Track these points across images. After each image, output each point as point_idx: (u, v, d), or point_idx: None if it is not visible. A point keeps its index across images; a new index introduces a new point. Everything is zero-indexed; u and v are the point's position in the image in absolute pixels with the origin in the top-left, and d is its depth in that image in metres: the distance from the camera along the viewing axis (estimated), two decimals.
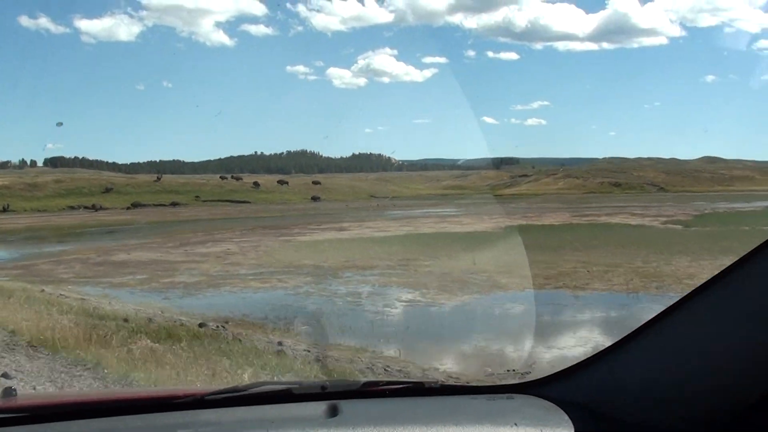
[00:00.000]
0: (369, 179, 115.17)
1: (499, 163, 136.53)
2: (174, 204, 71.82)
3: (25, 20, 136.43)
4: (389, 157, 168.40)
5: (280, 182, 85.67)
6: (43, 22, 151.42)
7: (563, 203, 62.94)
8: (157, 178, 78.18)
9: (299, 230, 34.81)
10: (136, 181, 75.95)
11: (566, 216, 43.22)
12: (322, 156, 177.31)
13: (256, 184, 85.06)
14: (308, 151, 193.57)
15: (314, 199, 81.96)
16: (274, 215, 52.16)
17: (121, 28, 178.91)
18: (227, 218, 50.11)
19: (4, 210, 63.52)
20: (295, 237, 30.40)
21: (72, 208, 66.45)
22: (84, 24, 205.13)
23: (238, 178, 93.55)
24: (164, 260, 22.58)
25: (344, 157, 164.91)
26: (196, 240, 30.03)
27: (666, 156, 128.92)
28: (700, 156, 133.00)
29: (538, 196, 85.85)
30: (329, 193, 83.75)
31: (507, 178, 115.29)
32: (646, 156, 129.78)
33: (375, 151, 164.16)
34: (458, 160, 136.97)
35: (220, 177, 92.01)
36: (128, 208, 66.59)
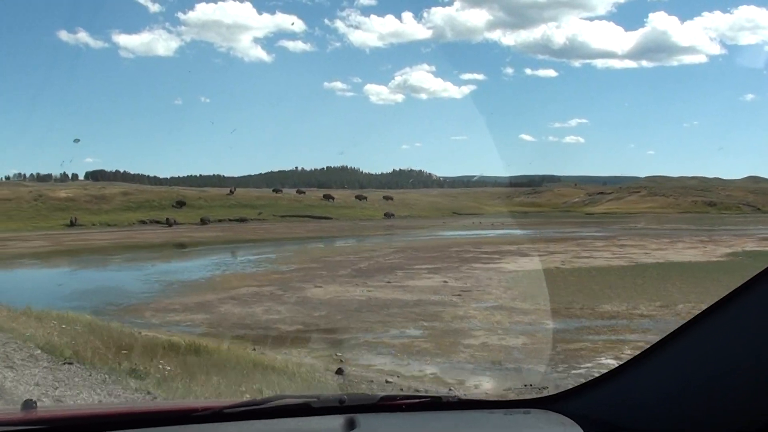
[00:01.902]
0: (432, 194, 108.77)
1: (540, 181, 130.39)
2: (242, 219, 65.73)
3: (64, 35, 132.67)
4: (430, 173, 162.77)
5: (358, 197, 78.92)
6: (83, 36, 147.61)
7: (693, 224, 55.29)
8: (230, 191, 71.93)
9: (487, 255, 27.90)
10: (208, 195, 69.74)
11: (756, 241, 35.96)
12: (362, 172, 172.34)
13: (327, 197, 78.57)
14: (348, 166, 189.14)
15: (387, 215, 75.19)
16: (384, 233, 45.45)
17: (160, 43, 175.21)
18: (334, 237, 43.59)
19: (72, 224, 57.81)
20: (504, 265, 23.55)
21: (143, 222, 60.54)
22: (123, 39, 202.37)
23: (301, 192, 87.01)
24: (399, 300, 15.95)
25: (385, 173, 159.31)
26: (368, 266, 23.42)
27: (709, 175, 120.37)
28: (745, 176, 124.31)
29: (634, 215, 78.28)
30: (408, 209, 77.10)
31: (583, 195, 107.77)
32: (689, 175, 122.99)
33: (415, 167, 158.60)
34: (497, 177, 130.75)
35: (274, 190, 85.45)
36: (202, 224, 60.62)
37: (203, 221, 62.35)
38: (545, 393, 2.30)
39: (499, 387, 8.77)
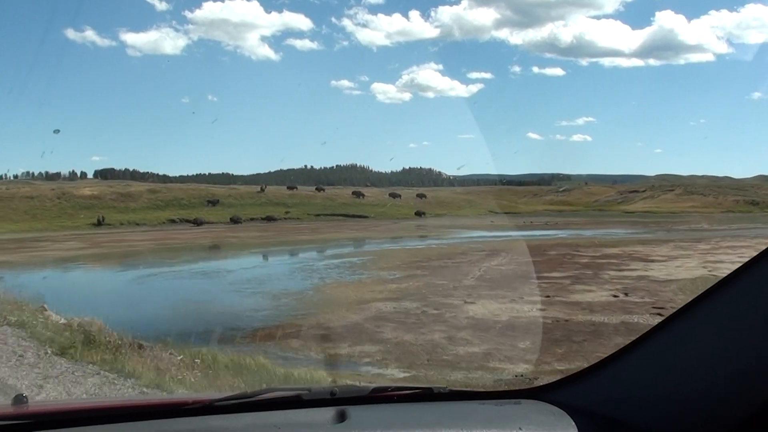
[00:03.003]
0: (458, 192, 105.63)
1: (551, 179, 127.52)
2: (269, 218, 62.49)
3: (71, 33, 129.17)
4: (440, 171, 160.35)
5: (392, 195, 75.62)
6: (90, 35, 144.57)
7: (758, 223, 52.01)
8: (261, 189, 68.66)
9: (605, 261, 24.56)
10: (238, 192, 66.49)
11: None
12: (372, 170, 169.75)
13: (357, 194, 75.13)
14: (357, 165, 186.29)
15: (418, 214, 71.74)
16: (448, 234, 42.19)
17: (167, 41, 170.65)
18: (392, 238, 40.33)
19: (99, 223, 54.60)
20: (643, 272, 20.24)
21: (172, 221, 57.35)
22: (130, 37, 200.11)
23: (321, 189, 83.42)
24: (601, 323, 12.74)
25: (395, 171, 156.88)
26: (486, 275, 20.14)
27: (719, 174, 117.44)
28: (755, 174, 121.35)
29: (678, 214, 75.10)
30: (444, 208, 73.89)
31: (614, 194, 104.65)
32: (699, 174, 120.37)
33: (425, 166, 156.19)
34: (506, 175, 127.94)
35: (288, 188, 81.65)
36: (233, 223, 57.36)
37: (234, 220, 59.18)
38: (536, 384, 2.20)
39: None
